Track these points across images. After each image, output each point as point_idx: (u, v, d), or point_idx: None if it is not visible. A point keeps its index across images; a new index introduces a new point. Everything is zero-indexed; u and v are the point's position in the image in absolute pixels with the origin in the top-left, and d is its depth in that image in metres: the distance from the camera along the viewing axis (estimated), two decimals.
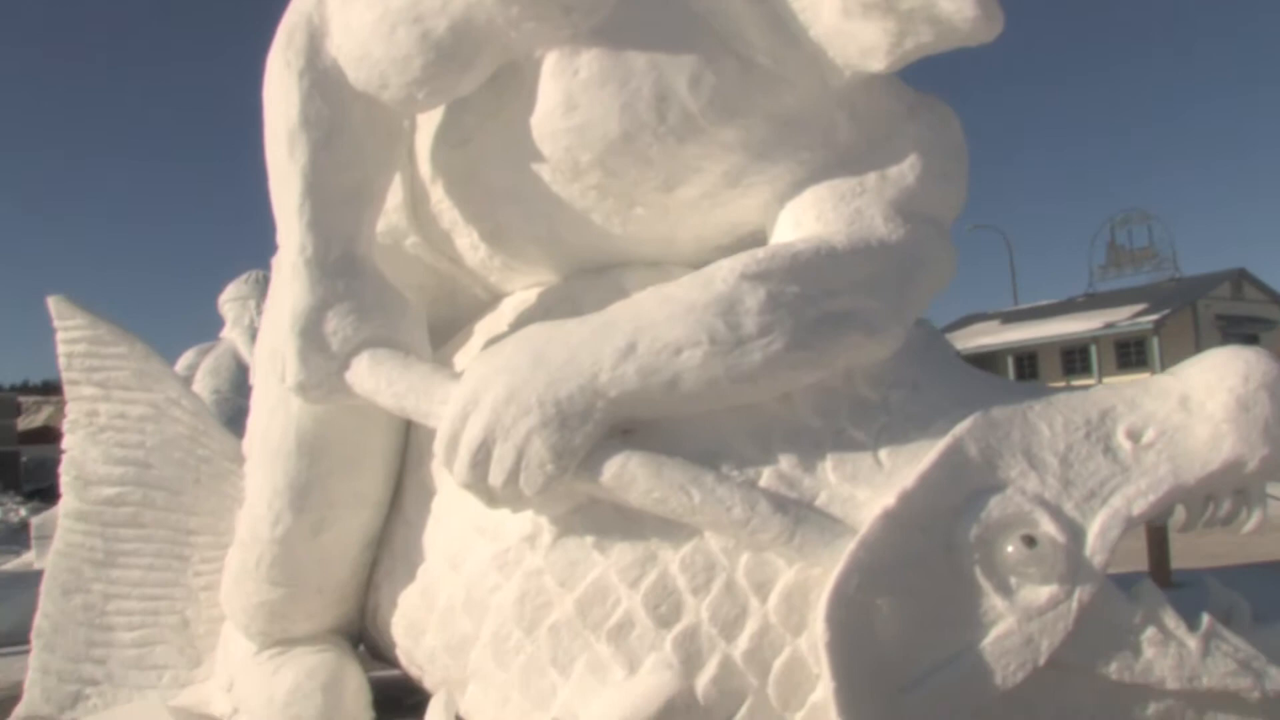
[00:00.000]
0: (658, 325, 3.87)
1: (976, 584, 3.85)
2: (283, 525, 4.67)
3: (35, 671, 5.44)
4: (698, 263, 4.73)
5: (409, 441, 4.87)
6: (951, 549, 3.86)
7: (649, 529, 3.99)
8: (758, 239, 4.72)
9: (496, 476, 3.86)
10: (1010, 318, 25.02)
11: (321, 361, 4.33)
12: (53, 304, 5.68)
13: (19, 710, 5.38)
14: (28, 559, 11.00)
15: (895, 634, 3.79)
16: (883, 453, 4.01)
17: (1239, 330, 29.53)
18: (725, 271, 3.94)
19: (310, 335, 4.32)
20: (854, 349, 4.03)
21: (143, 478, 5.49)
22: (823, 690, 3.85)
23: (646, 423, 3.99)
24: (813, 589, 3.88)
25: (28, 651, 5.79)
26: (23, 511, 17.24)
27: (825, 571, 3.84)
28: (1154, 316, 21.95)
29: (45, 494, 20.36)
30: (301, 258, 4.38)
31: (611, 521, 4.03)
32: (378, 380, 4.26)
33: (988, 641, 3.82)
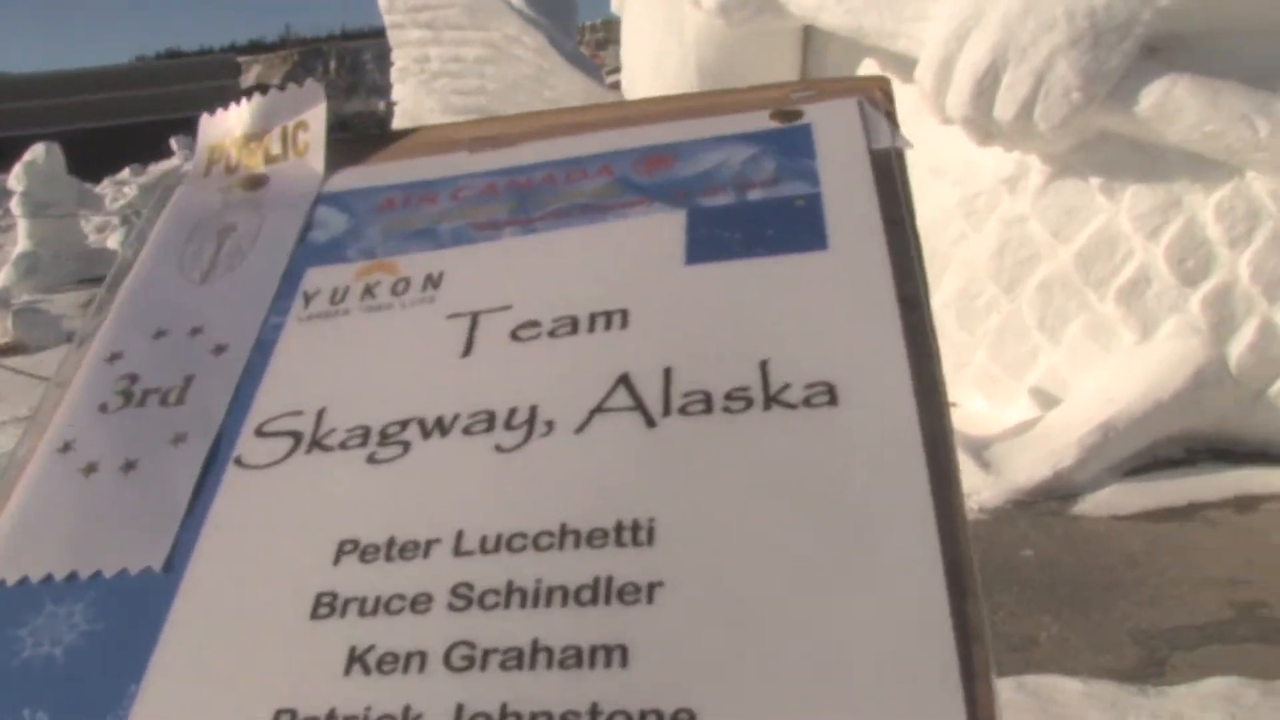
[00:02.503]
0: None
1: None
2: None
3: None
4: None
5: (808, 72, 4.21)
6: None
7: (1173, 168, 3.31)
8: None
9: (1006, 108, 3.20)
10: None
11: None
12: None
13: None
14: None
15: None
16: None
17: None
18: None
19: None
20: None
21: None
22: None
23: (1180, 39, 3.24)
24: None
25: None
26: None
27: None
28: None
29: None
30: None
31: (1123, 159, 3.36)
32: None
33: None
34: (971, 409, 3.86)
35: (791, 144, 0.65)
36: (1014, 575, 2.87)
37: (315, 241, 0.67)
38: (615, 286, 0.59)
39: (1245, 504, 3.18)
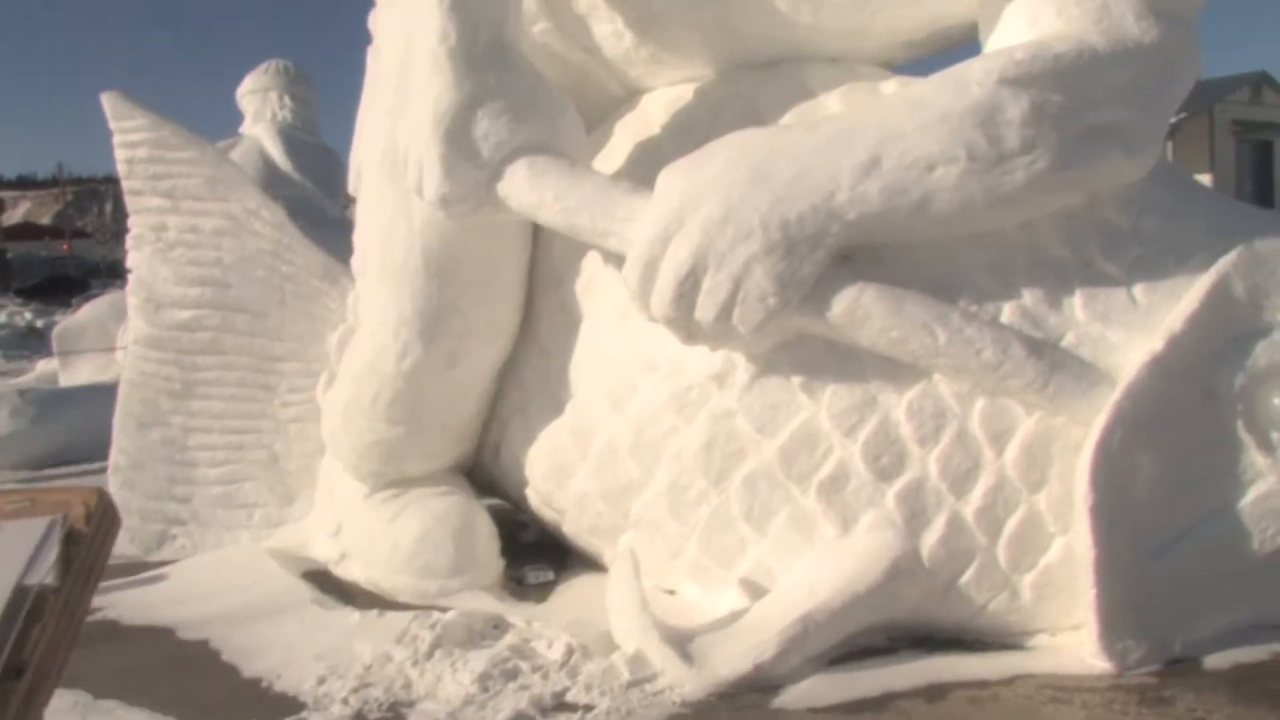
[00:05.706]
0: (906, 136, 3.28)
1: (1237, 438, 3.39)
2: (411, 358, 4.11)
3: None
4: (883, 59, 4.18)
5: (536, 261, 4.28)
6: (1212, 398, 3.39)
7: (868, 370, 3.47)
8: (953, 35, 4.14)
9: (706, 310, 3.32)
10: None
11: (470, 170, 3.72)
12: (108, 102, 4.95)
13: None
14: (50, 371, 10.23)
15: (1151, 494, 3.35)
16: (1137, 289, 3.48)
17: (1255, 136, 28.15)
18: (980, 74, 3.33)
19: (457, 139, 3.69)
20: (1113, 170, 3.47)
21: (221, 299, 4.88)
22: (1058, 553, 3.45)
23: (870, 249, 3.44)
24: (1055, 440, 3.41)
25: (84, 474, 5.31)
26: (27, 314, 15.87)
27: (1069, 422, 3.38)
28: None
29: (33, 293, 19.19)
30: (444, 46, 3.72)
31: (822, 360, 3.51)
32: (541, 193, 3.65)
33: (1246, 502, 3.39)
34: (687, 597, 3.90)
35: None
36: None
37: None
38: None
39: (936, 692, 3.26)
